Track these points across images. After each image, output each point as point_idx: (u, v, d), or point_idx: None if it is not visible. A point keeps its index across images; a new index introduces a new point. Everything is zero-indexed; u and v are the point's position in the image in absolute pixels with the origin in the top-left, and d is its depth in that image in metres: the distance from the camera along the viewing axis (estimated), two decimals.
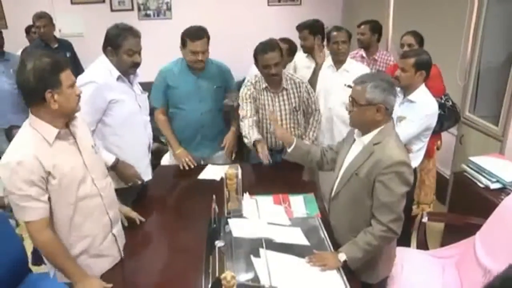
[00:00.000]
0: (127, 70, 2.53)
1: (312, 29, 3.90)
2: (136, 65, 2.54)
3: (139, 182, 2.69)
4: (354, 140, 2.17)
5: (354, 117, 2.08)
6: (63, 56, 1.90)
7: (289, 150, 2.48)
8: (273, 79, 2.93)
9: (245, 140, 2.95)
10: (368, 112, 2.00)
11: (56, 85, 1.77)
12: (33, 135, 1.80)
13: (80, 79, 2.32)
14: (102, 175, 2.09)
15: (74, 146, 1.93)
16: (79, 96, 1.89)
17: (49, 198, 1.82)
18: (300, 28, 3.97)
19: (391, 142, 2.00)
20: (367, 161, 2.01)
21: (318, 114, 3.22)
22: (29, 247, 2.72)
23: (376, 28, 4.16)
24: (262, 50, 2.86)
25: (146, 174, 2.81)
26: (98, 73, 2.46)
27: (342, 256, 1.98)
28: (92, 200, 1.98)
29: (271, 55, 2.83)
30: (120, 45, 2.45)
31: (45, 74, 1.74)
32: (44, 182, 1.78)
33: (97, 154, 2.09)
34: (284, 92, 3.02)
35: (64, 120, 1.88)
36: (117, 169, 2.57)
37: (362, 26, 4.15)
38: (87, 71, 2.56)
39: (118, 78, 2.51)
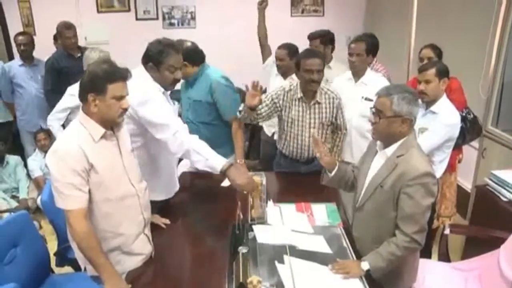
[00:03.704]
0: (168, 86, 2.49)
1: (323, 39, 3.94)
2: (177, 81, 2.51)
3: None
4: (376, 152, 2.18)
5: (379, 129, 2.07)
6: (125, 69, 2.00)
7: (331, 174, 2.38)
8: (312, 87, 2.90)
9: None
10: (394, 124, 2.01)
11: (101, 92, 1.88)
12: (81, 131, 1.93)
13: (136, 99, 2.23)
14: (138, 178, 2.19)
15: (116, 147, 2.05)
16: (125, 109, 1.98)
17: (89, 191, 1.93)
18: (312, 37, 3.98)
19: (415, 154, 2.01)
20: (392, 173, 2.02)
21: (343, 135, 3.19)
22: (52, 248, 2.78)
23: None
24: (307, 55, 2.89)
25: (176, 185, 2.82)
26: (149, 89, 2.39)
27: (365, 265, 1.99)
28: (130, 199, 2.09)
29: (316, 61, 2.84)
30: (163, 61, 2.38)
31: (94, 79, 1.88)
32: (86, 173, 1.90)
33: (135, 159, 2.19)
34: (317, 106, 2.98)
35: (107, 124, 1.99)
36: (229, 173, 2.34)
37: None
38: (135, 89, 2.13)
39: (163, 93, 2.48)
